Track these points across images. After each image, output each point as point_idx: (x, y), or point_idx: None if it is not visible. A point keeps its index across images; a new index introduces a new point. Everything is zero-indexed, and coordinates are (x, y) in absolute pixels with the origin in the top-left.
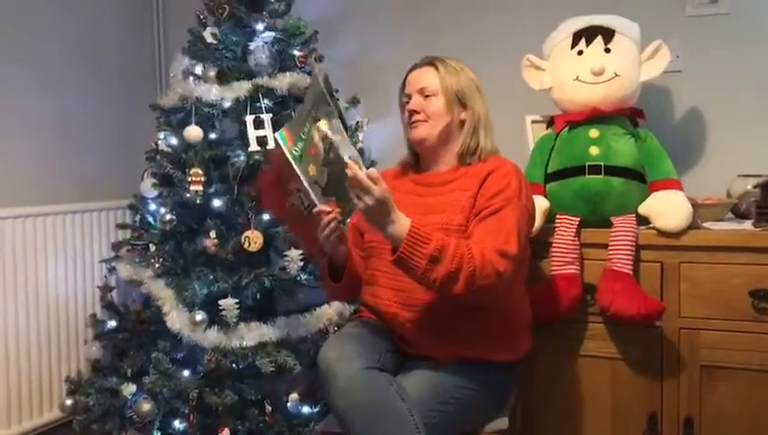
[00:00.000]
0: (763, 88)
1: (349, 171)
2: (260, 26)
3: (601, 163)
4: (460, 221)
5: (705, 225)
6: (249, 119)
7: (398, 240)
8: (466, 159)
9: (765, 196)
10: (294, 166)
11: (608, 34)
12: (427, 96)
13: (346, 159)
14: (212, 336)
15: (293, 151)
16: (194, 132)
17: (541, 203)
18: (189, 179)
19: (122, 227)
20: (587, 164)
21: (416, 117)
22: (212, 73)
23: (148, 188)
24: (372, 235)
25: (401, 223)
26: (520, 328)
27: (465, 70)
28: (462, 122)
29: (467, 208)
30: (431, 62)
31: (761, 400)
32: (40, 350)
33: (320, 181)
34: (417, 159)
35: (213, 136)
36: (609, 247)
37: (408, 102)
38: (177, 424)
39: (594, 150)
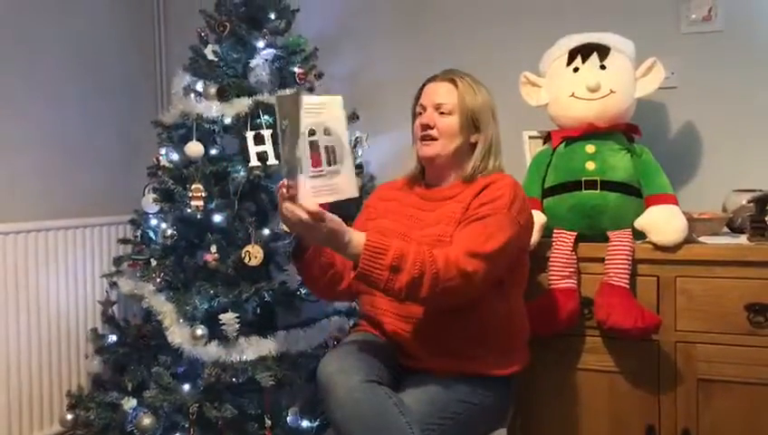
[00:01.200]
0: (756, 104)
1: (291, 216)
2: (260, 43)
3: (598, 178)
4: (452, 233)
5: (700, 239)
6: (250, 135)
7: (358, 257)
8: (471, 180)
9: (760, 210)
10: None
11: (603, 52)
12: (442, 113)
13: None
14: (212, 350)
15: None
16: (195, 148)
17: (538, 218)
18: (190, 195)
19: (123, 241)
20: (583, 179)
21: (428, 132)
22: (213, 90)
23: (150, 203)
24: None
25: (356, 240)
26: (518, 342)
27: (483, 91)
28: (473, 145)
29: (459, 219)
30: (452, 78)
31: (757, 413)
32: (41, 364)
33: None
34: (424, 172)
35: (214, 152)
36: (606, 261)
37: (421, 114)
38: None
39: (591, 165)
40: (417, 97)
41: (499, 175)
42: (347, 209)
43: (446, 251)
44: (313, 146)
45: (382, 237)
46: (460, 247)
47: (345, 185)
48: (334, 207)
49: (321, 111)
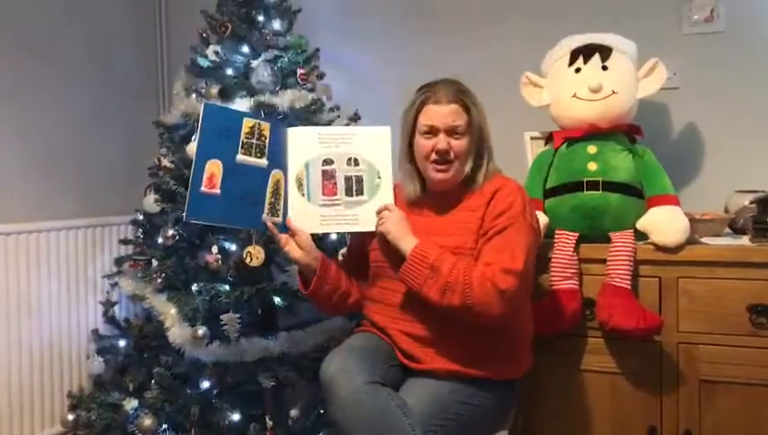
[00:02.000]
0: (758, 104)
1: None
2: (262, 44)
3: (599, 179)
4: (471, 245)
5: (702, 240)
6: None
7: (406, 255)
8: (470, 184)
9: (762, 211)
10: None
11: (605, 52)
12: (454, 135)
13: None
14: (213, 351)
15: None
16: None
17: (540, 219)
18: None
19: (125, 242)
20: (585, 180)
21: (445, 157)
22: (214, 91)
23: (151, 203)
24: (377, 255)
25: (411, 240)
26: (523, 346)
27: (478, 101)
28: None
29: (475, 230)
30: (459, 98)
31: (759, 414)
32: (42, 364)
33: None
34: (423, 186)
35: None
36: (608, 262)
37: (428, 134)
38: None
39: (592, 166)
40: (416, 113)
41: (503, 179)
42: None
43: (483, 268)
44: (327, 174)
45: (430, 244)
46: (492, 264)
47: (370, 217)
48: None
49: (349, 141)
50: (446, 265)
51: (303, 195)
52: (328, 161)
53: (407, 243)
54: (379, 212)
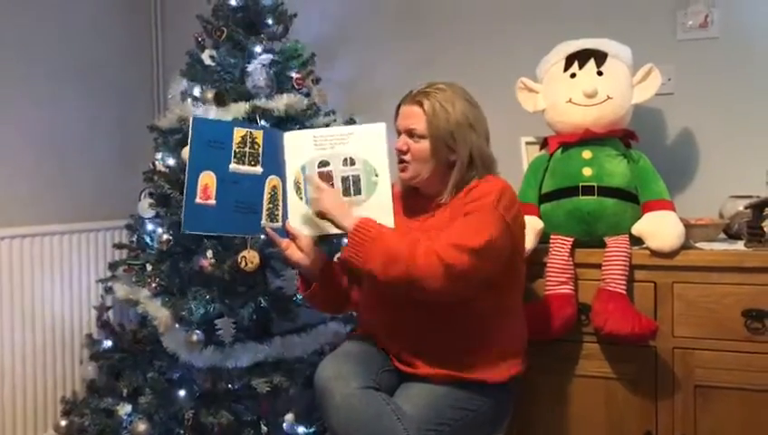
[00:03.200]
0: (753, 110)
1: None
2: (258, 48)
3: (594, 184)
4: None
5: (697, 245)
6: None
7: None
8: (461, 186)
9: (757, 216)
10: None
11: (600, 58)
12: (413, 137)
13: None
14: (208, 356)
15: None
16: None
17: (535, 223)
18: None
19: (119, 247)
20: (580, 185)
21: (402, 157)
22: (210, 95)
23: (146, 208)
24: None
25: (352, 218)
26: (516, 349)
27: (458, 105)
28: (453, 163)
29: (450, 222)
30: (420, 100)
31: (755, 419)
32: (35, 370)
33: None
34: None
35: None
36: (603, 267)
37: (399, 133)
38: None
39: (587, 171)
40: (396, 114)
41: (490, 178)
42: None
43: (430, 242)
44: (324, 177)
45: (371, 220)
46: (444, 240)
47: (371, 215)
48: None
49: (344, 141)
50: (390, 238)
51: (302, 198)
52: (324, 163)
53: (348, 221)
54: (313, 196)
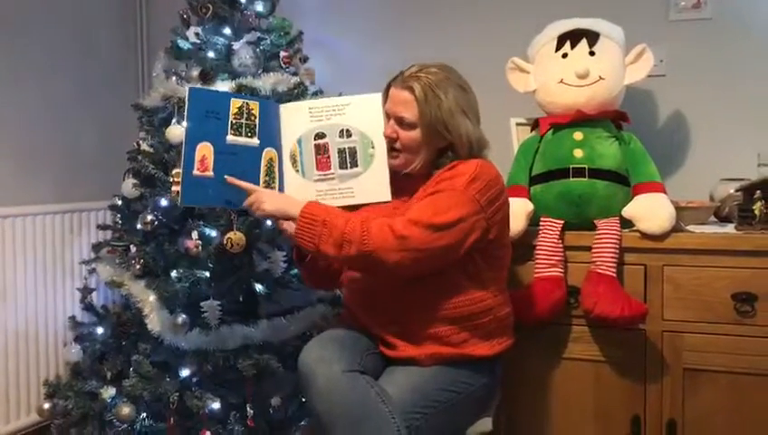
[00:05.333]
0: (745, 92)
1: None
2: (244, 26)
3: (585, 166)
4: None
5: (688, 228)
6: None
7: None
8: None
9: (747, 199)
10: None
11: (592, 38)
12: (402, 125)
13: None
14: (193, 339)
15: None
16: (176, 132)
17: (525, 206)
18: (171, 180)
19: (103, 228)
20: (571, 167)
21: (393, 145)
22: (195, 73)
23: (130, 188)
24: None
25: (297, 205)
26: (497, 319)
27: (450, 92)
28: (445, 148)
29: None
30: (411, 86)
31: (743, 402)
32: (18, 352)
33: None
34: None
35: None
36: (593, 250)
37: (388, 117)
38: (158, 428)
39: (578, 153)
40: (385, 95)
41: (473, 161)
42: None
43: (384, 220)
44: (320, 148)
45: (317, 203)
46: (403, 217)
47: (366, 188)
48: None
49: (340, 112)
50: (340, 219)
51: (298, 171)
52: (320, 135)
53: (294, 208)
54: (249, 205)
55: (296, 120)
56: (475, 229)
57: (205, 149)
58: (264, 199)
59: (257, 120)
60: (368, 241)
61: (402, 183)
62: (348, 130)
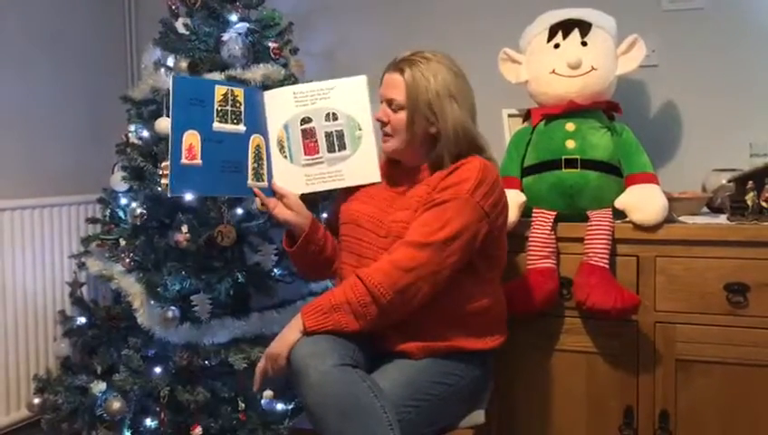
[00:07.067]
0: (737, 83)
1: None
2: (233, 17)
3: (578, 157)
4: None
5: (680, 219)
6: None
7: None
8: (441, 163)
9: (740, 190)
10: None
11: (584, 28)
12: (393, 108)
13: None
14: (184, 333)
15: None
16: (165, 124)
17: (517, 197)
18: (161, 173)
19: (92, 221)
20: (563, 158)
21: (385, 130)
22: (184, 64)
23: (119, 181)
24: (347, 229)
25: (294, 322)
26: (491, 318)
27: (440, 75)
28: (432, 135)
29: (424, 202)
30: (402, 68)
31: (735, 393)
32: (7, 347)
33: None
34: None
35: None
36: (586, 241)
37: (382, 101)
38: (149, 422)
39: (570, 144)
40: (381, 82)
41: (472, 158)
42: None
43: (384, 259)
44: (307, 133)
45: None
46: (405, 241)
47: (355, 171)
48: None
49: (325, 96)
50: (340, 294)
51: (286, 157)
52: (306, 120)
53: (295, 324)
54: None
55: (282, 106)
56: (480, 233)
57: (192, 138)
58: (266, 354)
59: (243, 107)
60: (382, 292)
61: (400, 172)
62: (334, 114)
